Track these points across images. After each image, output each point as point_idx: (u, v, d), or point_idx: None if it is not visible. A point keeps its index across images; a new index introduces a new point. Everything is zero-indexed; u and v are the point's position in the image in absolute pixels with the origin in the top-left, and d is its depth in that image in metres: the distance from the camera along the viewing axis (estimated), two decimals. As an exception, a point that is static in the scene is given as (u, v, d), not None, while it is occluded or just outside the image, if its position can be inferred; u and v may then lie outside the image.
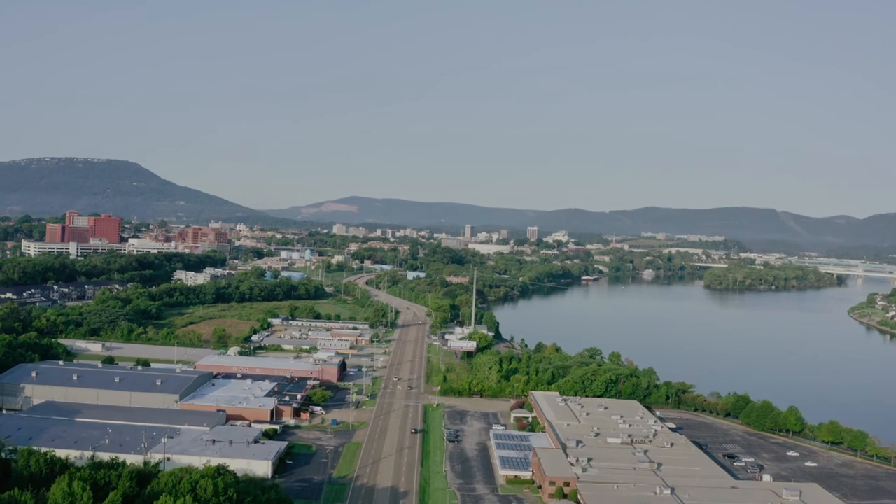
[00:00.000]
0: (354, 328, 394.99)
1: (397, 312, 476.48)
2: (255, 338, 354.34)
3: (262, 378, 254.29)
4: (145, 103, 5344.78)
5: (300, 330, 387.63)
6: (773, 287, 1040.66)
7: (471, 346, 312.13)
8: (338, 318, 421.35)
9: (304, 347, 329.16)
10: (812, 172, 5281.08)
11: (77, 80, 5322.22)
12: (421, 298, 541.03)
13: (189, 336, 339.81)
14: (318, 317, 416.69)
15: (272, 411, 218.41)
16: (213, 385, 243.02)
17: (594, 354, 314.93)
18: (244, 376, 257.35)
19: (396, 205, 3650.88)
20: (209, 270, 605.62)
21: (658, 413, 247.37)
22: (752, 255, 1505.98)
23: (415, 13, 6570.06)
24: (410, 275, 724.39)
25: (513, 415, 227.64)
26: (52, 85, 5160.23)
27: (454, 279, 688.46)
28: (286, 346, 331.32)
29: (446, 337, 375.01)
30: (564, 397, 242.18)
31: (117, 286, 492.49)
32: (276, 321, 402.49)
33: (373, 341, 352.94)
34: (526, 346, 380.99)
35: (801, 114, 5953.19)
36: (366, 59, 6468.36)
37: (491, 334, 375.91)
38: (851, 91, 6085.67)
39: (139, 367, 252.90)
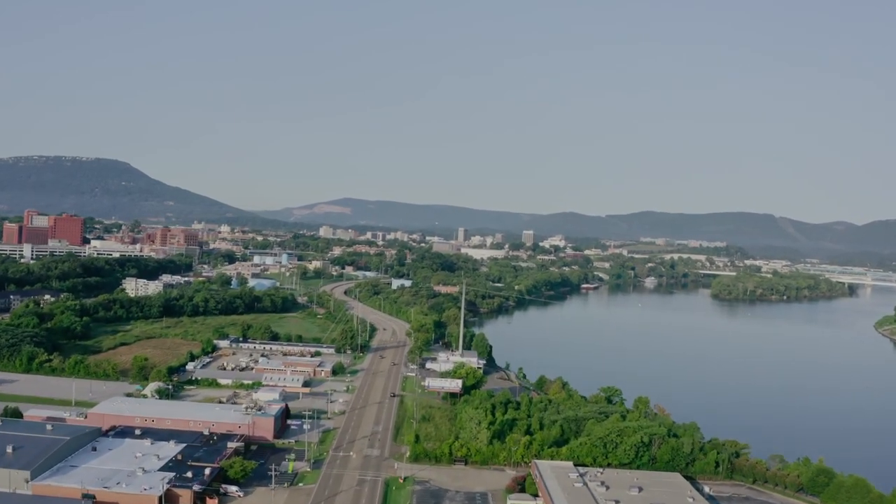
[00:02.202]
0: (317, 353, 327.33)
1: (373, 330, 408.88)
2: (190, 366, 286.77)
3: (170, 436, 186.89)
4: (137, 103, 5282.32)
5: (251, 355, 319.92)
6: (785, 297, 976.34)
7: (455, 385, 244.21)
8: (299, 339, 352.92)
9: (246, 382, 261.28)
10: (810, 178, 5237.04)
11: (68, 79, 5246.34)
12: (403, 312, 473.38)
13: (104, 366, 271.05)
14: (274, 337, 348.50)
15: (161, 497, 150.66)
16: (94, 450, 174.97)
17: (612, 396, 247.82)
18: (144, 433, 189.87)
19: (390, 207, 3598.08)
20: (165, 278, 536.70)
21: (708, 489, 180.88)
22: (757, 263, 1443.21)
23: (413, 14, 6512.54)
24: (395, 283, 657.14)
25: (510, 502, 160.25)
26: (43, 83, 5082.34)
27: (443, 289, 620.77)
28: (223, 381, 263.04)
29: (428, 366, 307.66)
30: (582, 469, 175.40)
31: (48, 296, 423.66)
32: (222, 343, 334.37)
33: (335, 372, 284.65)
34: (524, 377, 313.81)
35: (799, 118, 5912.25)
36: (363, 60, 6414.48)
37: (482, 364, 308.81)
38: (850, 96, 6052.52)
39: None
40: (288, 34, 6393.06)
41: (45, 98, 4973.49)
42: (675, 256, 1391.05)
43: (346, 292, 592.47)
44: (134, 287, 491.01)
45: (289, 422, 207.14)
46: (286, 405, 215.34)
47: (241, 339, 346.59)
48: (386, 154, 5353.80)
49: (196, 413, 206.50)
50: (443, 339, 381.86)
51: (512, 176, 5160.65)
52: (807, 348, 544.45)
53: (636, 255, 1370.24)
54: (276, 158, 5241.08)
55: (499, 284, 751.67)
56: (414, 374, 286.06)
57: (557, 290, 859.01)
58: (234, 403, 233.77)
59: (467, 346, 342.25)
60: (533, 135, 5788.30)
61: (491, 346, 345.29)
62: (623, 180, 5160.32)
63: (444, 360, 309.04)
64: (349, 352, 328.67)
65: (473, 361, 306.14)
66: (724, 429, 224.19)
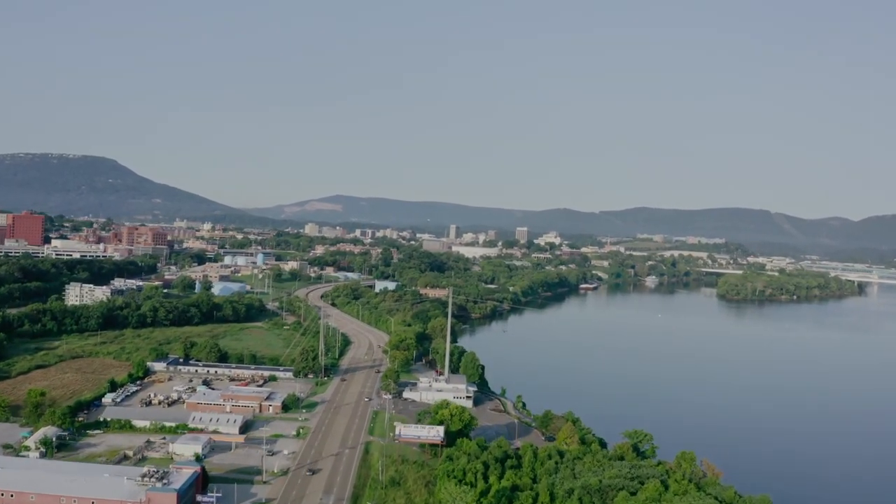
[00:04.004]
0: (272, 377, 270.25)
1: (347, 343, 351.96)
2: (108, 399, 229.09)
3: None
4: (127, 100, 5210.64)
5: (191, 381, 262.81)
6: (795, 297, 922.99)
7: (435, 434, 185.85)
8: (253, 359, 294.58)
9: (168, 425, 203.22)
10: (805, 173, 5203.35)
11: (56, 76, 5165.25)
12: (383, 321, 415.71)
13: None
14: (223, 358, 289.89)
15: None
16: None
17: (640, 444, 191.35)
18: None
19: (382, 204, 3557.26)
20: (117, 282, 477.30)
21: None
22: (759, 260, 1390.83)
23: (407, 16, 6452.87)
24: (379, 285, 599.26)
25: None
26: (30, 80, 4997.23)
27: (431, 292, 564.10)
28: (139, 423, 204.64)
29: (406, 395, 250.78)
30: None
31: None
32: (157, 366, 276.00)
33: (287, 407, 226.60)
34: (524, 406, 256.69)
35: (795, 115, 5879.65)
36: (357, 60, 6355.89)
37: (472, 392, 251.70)
38: (844, 92, 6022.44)
39: None
40: (281, 34, 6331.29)
41: (32, 95, 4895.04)
42: (676, 254, 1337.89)
43: (322, 297, 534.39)
44: (78, 293, 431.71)
45: (199, 498, 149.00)
46: (202, 468, 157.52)
47: (182, 359, 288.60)
48: (378, 152, 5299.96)
49: (73, 484, 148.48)
50: (426, 355, 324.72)
51: (505, 172, 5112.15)
52: (850, 360, 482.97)
53: (635, 253, 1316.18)
54: (268, 156, 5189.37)
55: (492, 286, 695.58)
56: (387, 409, 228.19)
57: (555, 290, 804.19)
58: (143, 458, 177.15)
59: (455, 368, 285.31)
60: (524, 132, 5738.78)
61: (483, 367, 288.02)
62: (616, 177, 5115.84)
63: (426, 387, 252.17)
64: (311, 376, 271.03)
65: (461, 389, 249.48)
66: (793, 489, 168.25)
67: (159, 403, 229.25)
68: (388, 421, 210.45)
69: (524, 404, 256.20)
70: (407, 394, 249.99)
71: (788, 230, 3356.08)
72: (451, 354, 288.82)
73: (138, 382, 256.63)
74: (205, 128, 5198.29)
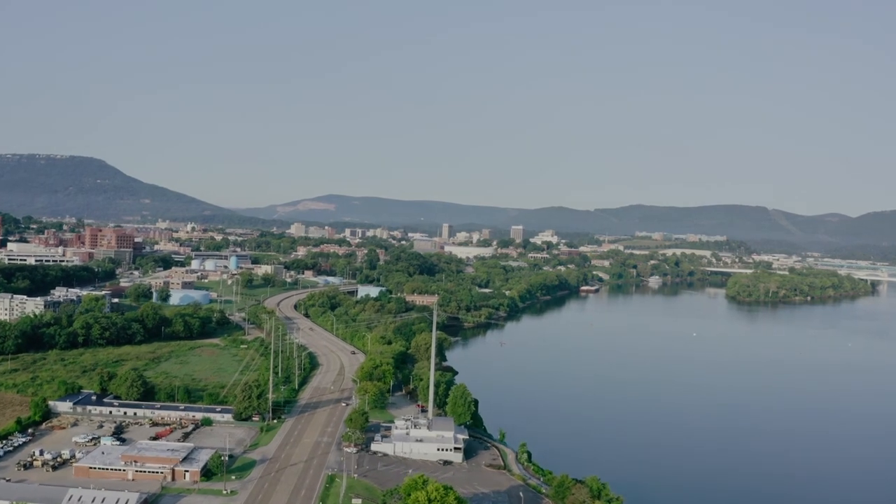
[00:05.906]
0: (206, 420, 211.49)
1: (314, 366, 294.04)
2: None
3: None
4: (118, 99, 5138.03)
5: (101, 426, 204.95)
6: (809, 298, 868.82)
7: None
8: (187, 394, 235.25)
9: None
10: (802, 170, 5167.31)
11: (45, 74, 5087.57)
12: (360, 336, 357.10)
13: None
14: (147, 393, 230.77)
15: None
16: None
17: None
18: None
19: (375, 203, 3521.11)
20: (57, 291, 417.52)
21: None
22: (765, 258, 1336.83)
23: (401, 13, 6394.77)
24: (362, 290, 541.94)
25: None
26: (18, 79, 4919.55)
27: (418, 299, 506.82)
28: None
29: (375, 447, 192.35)
30: None
31: None
32: (63, 406, 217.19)
33: (210, 473, 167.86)
34: (529, 458, 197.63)
35: (791, 111, 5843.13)
36: (350, 59, 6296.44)
37: (461, 439, 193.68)
38: (841, 88, 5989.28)
39: None
40: (275, 33, 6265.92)
41: (20, 95, 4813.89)
42: (678, 252, 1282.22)
43: (296, 305, 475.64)
44: (7, 307, 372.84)
45: None
46: None
47: (98, 394, 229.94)
48: (372, 151, 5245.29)
49: None
50: (407, 384, 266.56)
51: (499, 170, 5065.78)
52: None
53: (636, 252, 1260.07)
54: (261, 156, 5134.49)
55: (486, 290, 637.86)
56: (344, 471, 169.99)
57: (554, 293, 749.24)
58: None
59: (441, 401, 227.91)
60: (521, 129, 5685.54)
61: (476, 401, 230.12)
62: (612, 174, 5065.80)
63: (403, 435, 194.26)
64: (256, 418, 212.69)
65: (448, 438, 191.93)
66: None
67: (43, 465, 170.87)
68: (345, 493, 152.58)
69: (529, 455, 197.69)
70: (376, 445, 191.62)
71: (786, 227, 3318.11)
72: (438, 385, 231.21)
73: (30, 431, 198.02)
74: (196, 128, 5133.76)
